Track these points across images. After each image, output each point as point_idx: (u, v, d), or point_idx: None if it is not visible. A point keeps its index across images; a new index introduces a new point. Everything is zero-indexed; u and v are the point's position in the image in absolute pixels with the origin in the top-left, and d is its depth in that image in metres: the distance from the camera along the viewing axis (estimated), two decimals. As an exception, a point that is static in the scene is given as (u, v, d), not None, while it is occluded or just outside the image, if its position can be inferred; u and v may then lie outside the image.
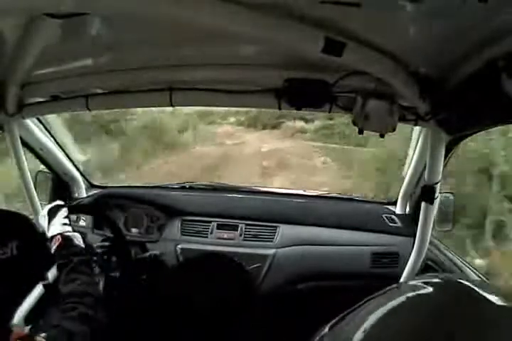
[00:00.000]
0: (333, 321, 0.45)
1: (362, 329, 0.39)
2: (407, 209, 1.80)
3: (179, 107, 1.43)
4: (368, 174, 5.33)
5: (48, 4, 0.84)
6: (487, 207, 3.70)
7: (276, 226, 1.77)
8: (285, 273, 1.69)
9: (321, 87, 1.16)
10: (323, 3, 0.77)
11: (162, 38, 1.05)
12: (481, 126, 1.14)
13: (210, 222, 1.79)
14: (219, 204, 1.89)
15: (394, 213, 1.81)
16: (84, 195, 1.96)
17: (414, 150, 1.63)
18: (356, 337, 0.38)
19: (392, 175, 4.06)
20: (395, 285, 0.46)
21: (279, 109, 1.25)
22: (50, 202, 1.88)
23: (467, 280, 0.42)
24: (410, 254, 1.43)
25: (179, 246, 1.73)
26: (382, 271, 1.67)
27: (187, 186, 2.07)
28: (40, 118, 1.68)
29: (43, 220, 1.19)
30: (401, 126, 1.20)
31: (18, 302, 1.14)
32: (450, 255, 1.63)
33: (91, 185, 2.04)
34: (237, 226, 1.77)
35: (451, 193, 1.65)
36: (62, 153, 1.83)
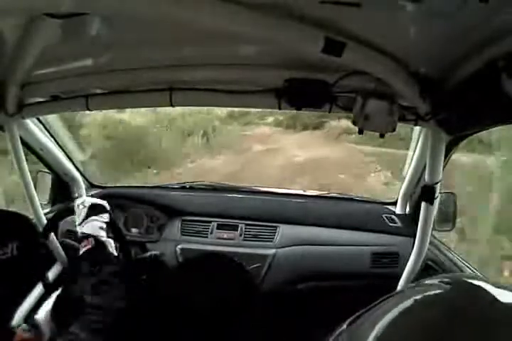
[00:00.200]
0: (351, 318, 0.45)
1: (378, 327, 0.40)
2: (407, 209, 1.80)
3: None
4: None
5: (48, 4, 0.84)
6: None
7: (276, 226, 1.77)
8: (285, 273, 1.69)
9: (321, 87, 1.16)
10: (323, 3, 0.77)
11: (162, 38, 1.05)
12: (481, 126, 1.14)
13: (210, 222, 1.79)
14: (219, 204, 1.89)
15: (394, 213, 1.81)
16: (84, 195, 1.96)
17: (414, 150, 1.63)
18: (372, 335, 0.39)
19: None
20: (412, 285, 0.46)
21: (279, 108, 1.25)
22: (49, 203, 1.89)
23: (480, 280, 0.43)
24: (410, 254, 1.43)
25: (179, 246, 1.73)
26: (382, 271, 1.68)
27: (187, 186, 2.07)
28: (40, 118, 1.68)
29: (78, 210, 1.17)
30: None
31: (18, 302, 1.15)
32: (450, 255, 1.63)
33: (91, 185, 2.04)
34: (237, 226, 1.77)
35: (452, 193, 1.66)
36: (62, 153, 1.83)
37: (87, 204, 1.19)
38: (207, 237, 1.76)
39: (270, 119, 7.86)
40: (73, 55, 1.17)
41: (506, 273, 3.18)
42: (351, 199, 2.04)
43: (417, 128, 1.57)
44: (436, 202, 1.33)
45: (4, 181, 3.68)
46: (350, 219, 1.81)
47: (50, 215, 1.67)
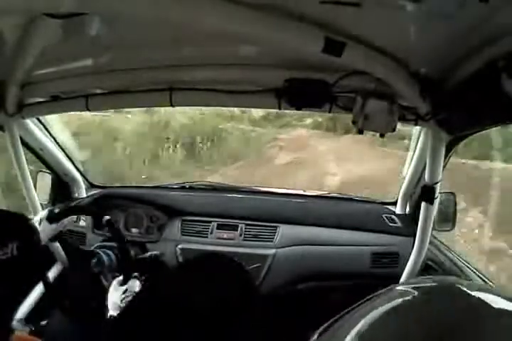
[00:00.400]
0: (322, 328, 0.44)
1: (352, 334, 0.38)
2: (407, 209, 1.80)
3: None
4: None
5: (48, 4, 0.84)
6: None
7: (276, 226, 1.77)
8: (285, 273, 1.69)
9: (321, 87, 1.16)
10: (323, 3, 0.77)
11: (162, 38, 1.05)
12: (481, 126, 1.14)
13: (210, 222, 1.79)
14: (219, 204, 1.89)
15: (394, 213, 1.81)
16: (84, 195, 1.96)
17: (414, 150, 1.63)
18: None
19: None
20: (387, 289, 0.45)
21: (279, 109, 1.25)
22: (49, 203, 1.89)
23: (463, 283, 0.42)
24: (410, 254, 1.43)
25: (179, 246, 1.73)
26: (382, 271, 1.67)
27: (187, 186, 2.07)
28: (40, 118, 1.68)
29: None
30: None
31: (19, 302, 1.15)
32: (450, 255, 1.63)
33: (91, 185, 2.04)
34: (237, 226, 1.77)
35: (452, 193, 1.66)
36: (62, 153, 1.83)
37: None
38: (207, 237, 1.76)
39: (308, 121, 7.04)
40: (73, 55, 1.17)
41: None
42: (351, 200, 2.04)
43: (417, 128, 1.57)
44: (436, 202, 1.33)
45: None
46: (350, 219, 1.81)
47: (50, 215, 1.67)
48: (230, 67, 1.18)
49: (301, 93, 1.19)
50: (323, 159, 5.30)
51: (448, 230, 1.69)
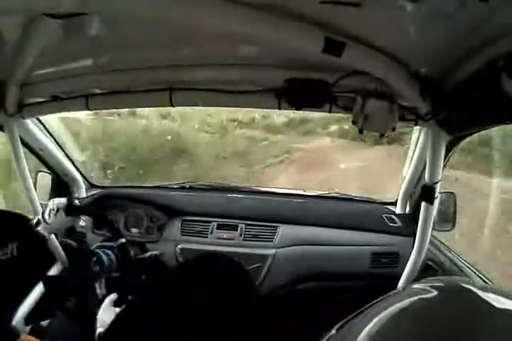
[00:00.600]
0: (340, 323, 0.45)
1: (366, 332, 0.39)
2: (407, 209, 1.80)
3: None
4: None
5: (48, 4, 0.84)
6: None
7: (276, 226, 1.77)
8: (285, 273, 1.69)
9: (321, 87, 1.16)
10: (323, 3, 0.77)
11: (162, 38, 1.05)
12: (481, 126, 1.14)
13: (210, 222, 1.79)
14: (219, 204, 1.89)
15: (394, 213, 1.81)
16: (84, 195, 1.96)
17: (414, 150, 1.63)
18: (361, 340, 0.39)
19: None
20: (400, 289, 0.46)
21: (279, 109, 1.25)
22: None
23: (470, 284, 0.42)
24: (410, 254, 1.43)
25: (179, 246, 1.73)
26: (382, 271, 1.68)
27: (187, 186, 2.07)
28: (40, 118, 1.68)
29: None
30: None
31: (18, 302, 1.14)
32: (450, 255, 1.63)
33: (91, 185, 2.04)
34: (237, 226, 1.77)
35: (451, 193, 1.66)
36: (62, 153, 1.83)
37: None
38: (207, 237, 1.76)
39: (333, 128, 5.88)
40: (73, 55, 1.17)
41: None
42: (351, 200, 2.04)
43: (417, 128, 1.57)
44: (436, 202, 1.33)
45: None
46: (350, 219, 1.81)
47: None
48: (230, 67, 1.18)
49: (301, 93, 1.19)
50: (345, 183, 3.56)
51: (448, 230, 1.69)
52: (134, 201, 1.86)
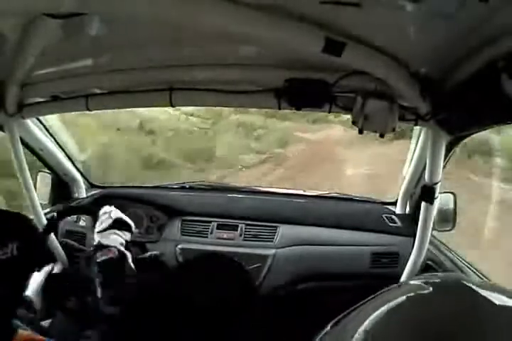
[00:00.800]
0: (335, 320, 0.45)
1: (362, 328, 0.39)
2: (407, 209, 1.80)
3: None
4: None
5: (48, 4, 0.84)
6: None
7: (276, 227, 1.77)
8: (285, 273, 1.69)
9: (321, 87, 1.16)
10: (323, 3, 0.77)
11: (162, 38, 1.05)
12: (481, 126, 1.14)
13: (210, 222, 1.79)
14: (219, 204, 1.89)
15: (394, 213, 1.81)
16: (84, 195, 1.96)
17: (414, 150, 1.63)
18: (357, 336, 0.39)
19: None
20: (396, 285, 0.46)
21: (279, 108, 1.25)
22: (49, 203, 1.89)
23: (467, 280, 0.42)
24: (410, 254, 1.43)
25: (179, 246, 1.73)
26: (382, 271, 1.68)
27: (187, 186, 2.07)
28: (40, 118, 1.68)
29: (102, 217, 1.24)
30: None
31: (19, 302, 1.14)
32: (450, 255, 1.63)
33: (91, 185, 2.04)
34: (237, 226, 1.77)
35: (452, 193, 1.66)
36: (63, 153, 1.83)
37: (114, 217, 1.26)
38: (207, 237, 1.76)
39: (346, 117, 4.22)
40: (73, 55, 1.17)
41: None
42: (351, 200, 2.04)
43: (417, 128, 1.57)
44: (436, 202, 1.33)
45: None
46: (350, 219, 1.81)
47: (50, 215, 1.67)
48: (230, 67, 1.18)
49: (301, 93, 1.19)
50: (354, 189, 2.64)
51: (448, 230, 1.69)
52: (134, 201, 1.86)
